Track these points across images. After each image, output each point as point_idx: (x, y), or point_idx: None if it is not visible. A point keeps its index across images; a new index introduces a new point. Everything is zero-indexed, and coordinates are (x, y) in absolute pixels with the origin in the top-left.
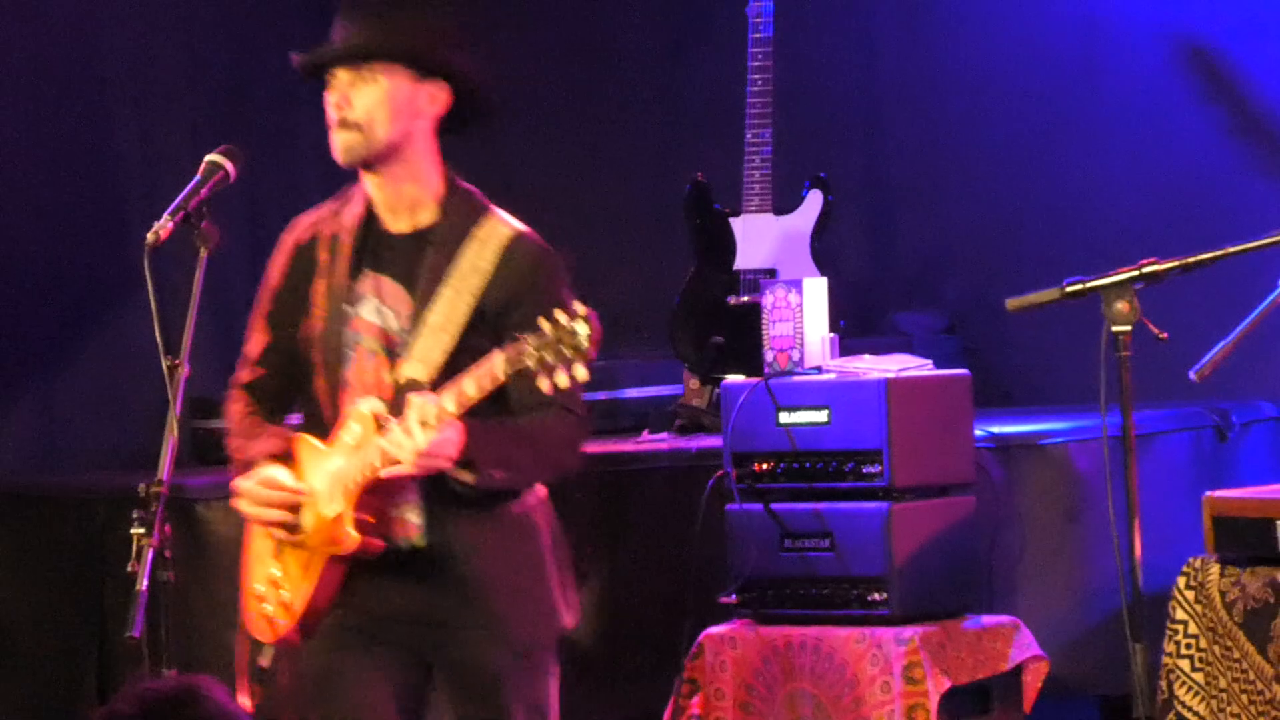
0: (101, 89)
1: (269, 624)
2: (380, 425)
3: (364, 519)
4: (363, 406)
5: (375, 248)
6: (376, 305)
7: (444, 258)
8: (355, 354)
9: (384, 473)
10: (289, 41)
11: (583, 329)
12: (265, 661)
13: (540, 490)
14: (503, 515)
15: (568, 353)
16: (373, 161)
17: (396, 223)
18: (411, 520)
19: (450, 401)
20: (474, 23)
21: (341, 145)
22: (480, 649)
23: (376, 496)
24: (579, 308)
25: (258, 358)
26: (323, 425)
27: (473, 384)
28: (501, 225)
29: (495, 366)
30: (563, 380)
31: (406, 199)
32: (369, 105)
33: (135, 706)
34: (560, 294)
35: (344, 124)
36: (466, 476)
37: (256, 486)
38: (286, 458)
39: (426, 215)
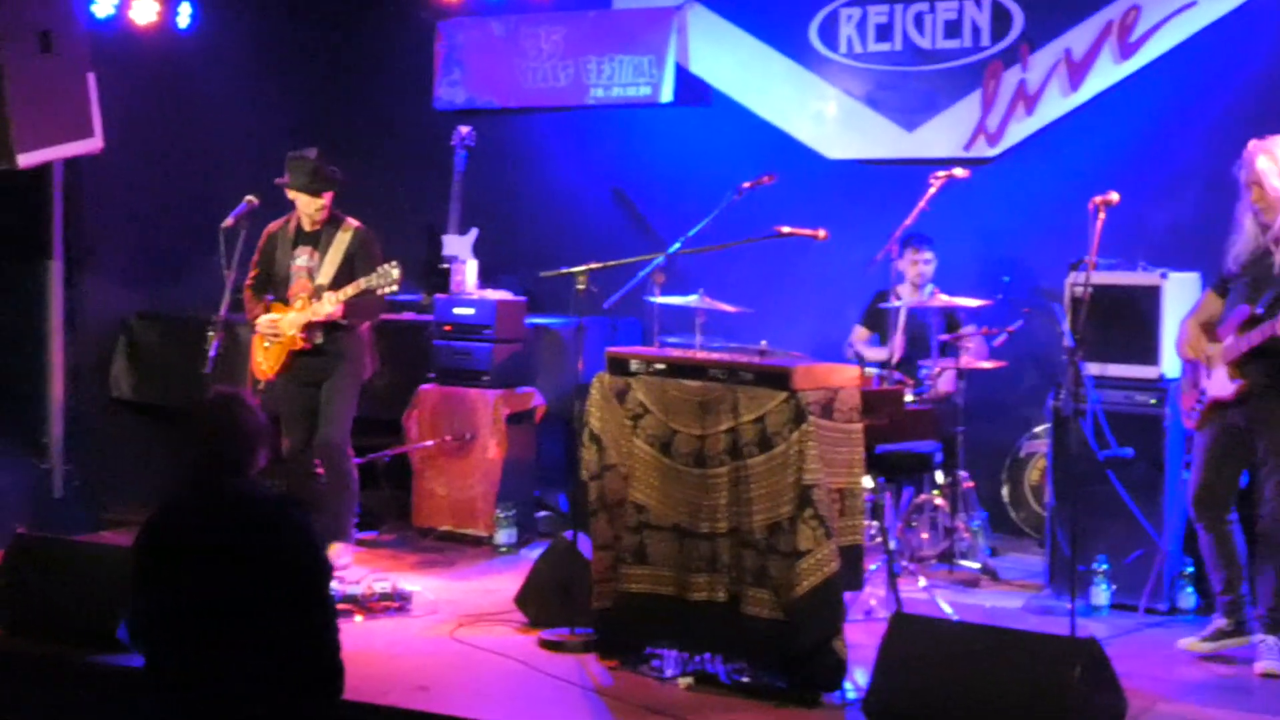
0: None
1: (261, 373)
2: (311, 300)
3: (302, 334)
4: (302, 293)
5: (300, 234)
6: (306, 257)
7: (330, 238)
8: (294, 275)
9: (314, 316)
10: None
11: (395, 272)
12: (261, 388)
13: (365, 328)
14: (352, 330)
15: (387, 281)
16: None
17: (309, 225)
18: (317, 336)
19: (341, 295)
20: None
21: (317, 220)
22: (337, 376)
23: (307, 327)
24: (393, 263)
25: (255, 275)
26: (283, 299)
27: (352, 288)
28: (353, 223)
29: (365, 283)
30: (386, 292)
31: (318, 220)
32: (326, 205)
33: (188, 406)
34: (378, 251)
35: (317, 212)
36: (344, 321)
37: (265, 321)
38: (269, 310)
39: (320, 222)
